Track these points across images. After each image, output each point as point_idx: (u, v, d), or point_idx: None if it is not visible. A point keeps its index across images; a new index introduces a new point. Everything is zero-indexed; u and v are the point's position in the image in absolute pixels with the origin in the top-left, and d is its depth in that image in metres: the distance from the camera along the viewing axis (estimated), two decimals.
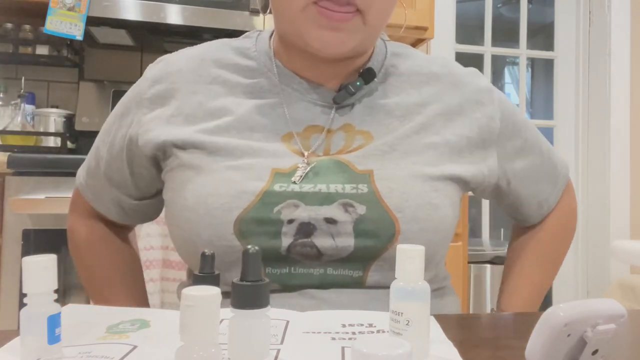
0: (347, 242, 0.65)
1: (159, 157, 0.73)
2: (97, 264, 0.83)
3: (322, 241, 0.65)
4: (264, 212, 0.64)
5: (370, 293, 0.67)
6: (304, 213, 0.65)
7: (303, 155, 0.69)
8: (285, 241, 0.65)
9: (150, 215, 0.85)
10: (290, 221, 0.65)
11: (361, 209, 0.65)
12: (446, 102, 0.75)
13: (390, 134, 0.71)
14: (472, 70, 0.81)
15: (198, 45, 0.79)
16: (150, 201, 0.81)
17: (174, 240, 0.72)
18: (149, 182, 0.77)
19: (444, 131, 0.73)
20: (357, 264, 0.66)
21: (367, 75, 0.73)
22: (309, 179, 0.67)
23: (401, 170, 0.68)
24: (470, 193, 0.80)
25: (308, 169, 0.67)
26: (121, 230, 0.87)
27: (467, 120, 0.74)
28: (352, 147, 0.70)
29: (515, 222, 0.90)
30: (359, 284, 0.67)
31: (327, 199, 0.65)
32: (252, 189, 0.65)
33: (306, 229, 0.65)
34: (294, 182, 0.66)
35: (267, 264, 0.65)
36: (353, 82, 0.72)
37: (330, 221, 0.65)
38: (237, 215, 0.64)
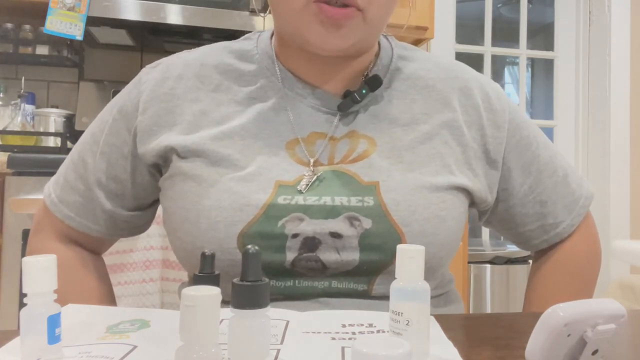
0: (352, 256, 0.64)
1: (160, 165, 0.72)
2: (73, 291, 0.74)
3: (327, 255, 0.64)
4: (268, 226, 0.63)
5: (375, 303, 0.66)
6: (308, 227, 0.64)
7: (308, 163, 0.68)
8: (290, 255, 0.64)
9: (141, 227, 0.80)
10: (295, 235, 0.64)
11: (367, 223, 0.64)
12: (453, 110, 0.73)
13: (394, 143, 0.70)
14: (481, 76, 0.78)
15: (197, 49, 0.77)
16: (143, 212, 0.78)
17: (175, 250, 0.71)
18: (149, 192, 0.75)
19: (450, 141, 0.71)
20: (361, 277, 0.66)
21: (373, 82, 0.71)
22: (314, 190, 0.66)
23: (407, 182, 0.67)
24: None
25: (314, 177, 0.66)
26: (95, 256, 0.80)
27: (473, 129, 0.73)
28: (357, 154, 0.69)
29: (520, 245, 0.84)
30: (363, 295, 0.66)
31: (332, 212, 0.64)
32: (255, 202, 0.64)
33: (311, 244, 0.64)
34: (300, 191, 0.65)
35: (271, 277, 0.64)
36: (359, 90, 0.70)
37: (335, 235, 0.64)
38: (241, 229, 0.63)
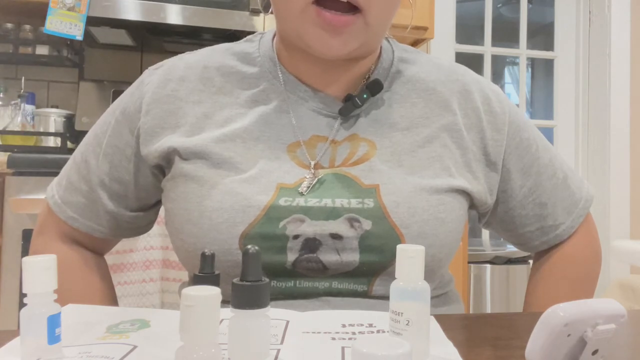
0: (352, 257, 0.65)
1: (163, 166, 0.72)
2: (76, 292, 0.74)
3: (327, 256, 0.64)
4: (269, 227, 0.63)
5: (374, 304, 0.66)
6: (309, 228, 0.64)
7: (309, 166, 0.68)
8: (291, 256, 0.64)
9: (143, 227, 0.81)
10: (296, 237, 0.64)
11: (367, 225, 0.64)
12: (453, 113, 0.73)
13: (394, 147, 0.70)
14: (482, 78, 0.79)
15: (199, 51, 0.77)
16: (146, 213, 0.78)
17: (177, 251, 0.71)
18: (152, 193, 0.75)
19: (450, 144, 0.71)
20: (361, 277, 0.66)
21: (374, 86, 0.71)
22: (315, 192, 0.66)
23: (407, 185, 0.67)
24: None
25: (315, 180, 0.67)
26: (98, 257, 0.81)
27: (473, 132, 0.73)
28: (357, 157, 0.69)
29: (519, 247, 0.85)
30: (363, 296, 0.67)
31: (332, 213, 0.65)
32: (257, 203, 0.64)
33: (312, 245, 0.64)
34: (301, 193, 0.65)
35: (272, 277, 0.64)
36: (359, 94, 0.71)
37: (335, 237, 0.64)
38: (242, 230, 0.63)
